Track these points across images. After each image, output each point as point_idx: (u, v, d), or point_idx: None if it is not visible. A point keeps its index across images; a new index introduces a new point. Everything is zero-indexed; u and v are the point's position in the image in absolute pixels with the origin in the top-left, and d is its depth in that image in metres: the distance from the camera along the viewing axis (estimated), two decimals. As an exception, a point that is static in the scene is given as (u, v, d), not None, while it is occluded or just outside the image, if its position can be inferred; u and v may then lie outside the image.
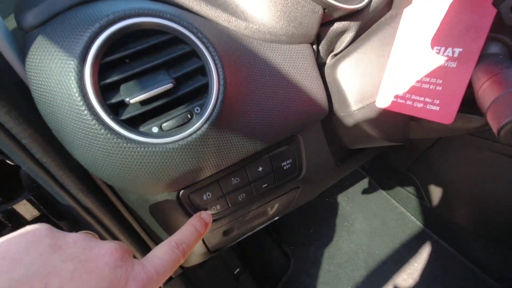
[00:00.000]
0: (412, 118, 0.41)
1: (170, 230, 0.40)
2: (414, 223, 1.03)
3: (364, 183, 1.19)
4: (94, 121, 0.24)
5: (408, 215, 1.06)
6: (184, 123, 0.28)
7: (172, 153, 0.28)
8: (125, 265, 0.22)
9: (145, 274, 0.23)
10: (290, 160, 0.42)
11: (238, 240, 0.54)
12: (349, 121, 0.40)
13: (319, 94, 0.38)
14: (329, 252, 1.00)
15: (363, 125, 0.39)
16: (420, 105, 0.33)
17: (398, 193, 1.08)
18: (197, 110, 0.28)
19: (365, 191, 1.17)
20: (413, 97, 0.34)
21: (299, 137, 0.41)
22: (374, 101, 0.37)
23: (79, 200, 0.33)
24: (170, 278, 0.56)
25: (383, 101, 0.36)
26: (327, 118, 0.42)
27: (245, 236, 0.55)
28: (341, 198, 1.16)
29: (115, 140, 0.25)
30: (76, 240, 0.22)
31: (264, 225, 0.55)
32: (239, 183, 0.39)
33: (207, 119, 0.28)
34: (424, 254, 0.95)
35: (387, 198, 1.12)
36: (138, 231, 0.42)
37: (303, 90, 0.36)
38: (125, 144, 0.26)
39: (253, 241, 1.06)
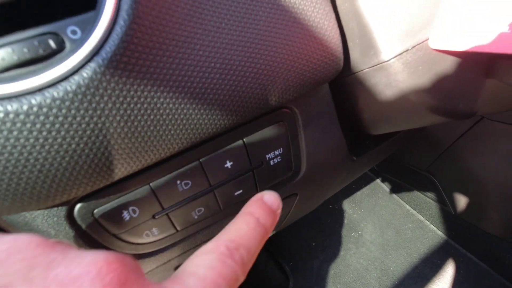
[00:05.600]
0: (489, 72, 0.25)
1: None
2: (435, 232, 0.92)
3: (373, 187, 1.07)
4: None
5: (427, 224, 0.94)
6: (45, 56, 0.13)
7: (21, 118, 0.14)
8: None
9: None
10: (280, 151, 0.25)
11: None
12: (378, 81, 0.24)
13: (329, 28, 0.22)
14: (334, 269, 0.89)
15: (403, 86, 0.23)
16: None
17: (414, 197, 0.96)
18: (73, 32, 0.13)
19: (374, 196, 1.05)
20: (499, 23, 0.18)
21: (294, 110, 0.25)
22: (426, 40, 0.22)
23: None
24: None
25: (444, 38, 0.21)
26: (338, 81, 0.27)
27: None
28: (347, 204, 1.04)
29: None
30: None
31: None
32: (192, 190, 0.23)
33: (97, 51, 0.14)
34: (449, 270, 0.84)
35: (401, 204, 1.00)
36: None
37: (301, 16, 0.20)
38: None
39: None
